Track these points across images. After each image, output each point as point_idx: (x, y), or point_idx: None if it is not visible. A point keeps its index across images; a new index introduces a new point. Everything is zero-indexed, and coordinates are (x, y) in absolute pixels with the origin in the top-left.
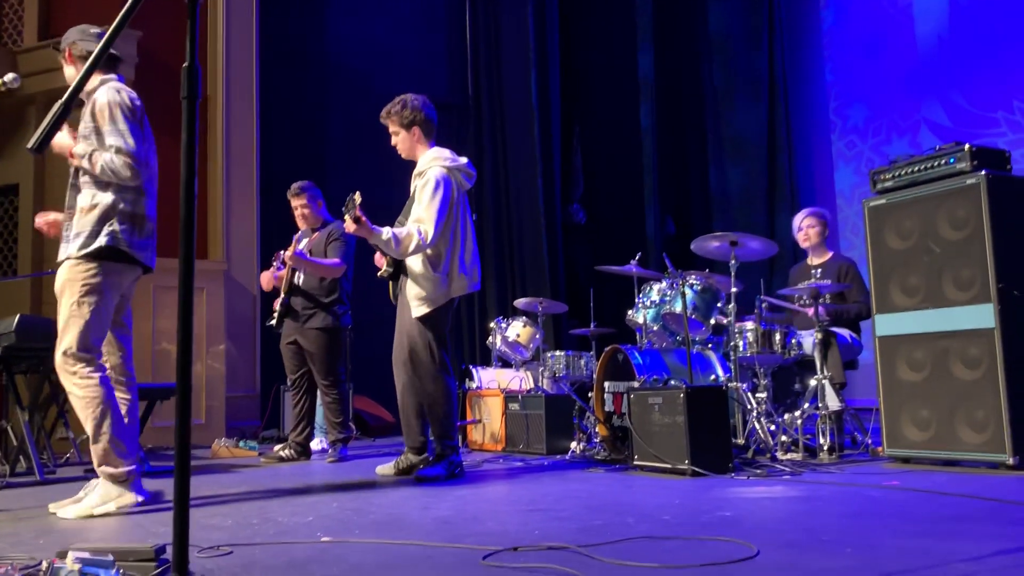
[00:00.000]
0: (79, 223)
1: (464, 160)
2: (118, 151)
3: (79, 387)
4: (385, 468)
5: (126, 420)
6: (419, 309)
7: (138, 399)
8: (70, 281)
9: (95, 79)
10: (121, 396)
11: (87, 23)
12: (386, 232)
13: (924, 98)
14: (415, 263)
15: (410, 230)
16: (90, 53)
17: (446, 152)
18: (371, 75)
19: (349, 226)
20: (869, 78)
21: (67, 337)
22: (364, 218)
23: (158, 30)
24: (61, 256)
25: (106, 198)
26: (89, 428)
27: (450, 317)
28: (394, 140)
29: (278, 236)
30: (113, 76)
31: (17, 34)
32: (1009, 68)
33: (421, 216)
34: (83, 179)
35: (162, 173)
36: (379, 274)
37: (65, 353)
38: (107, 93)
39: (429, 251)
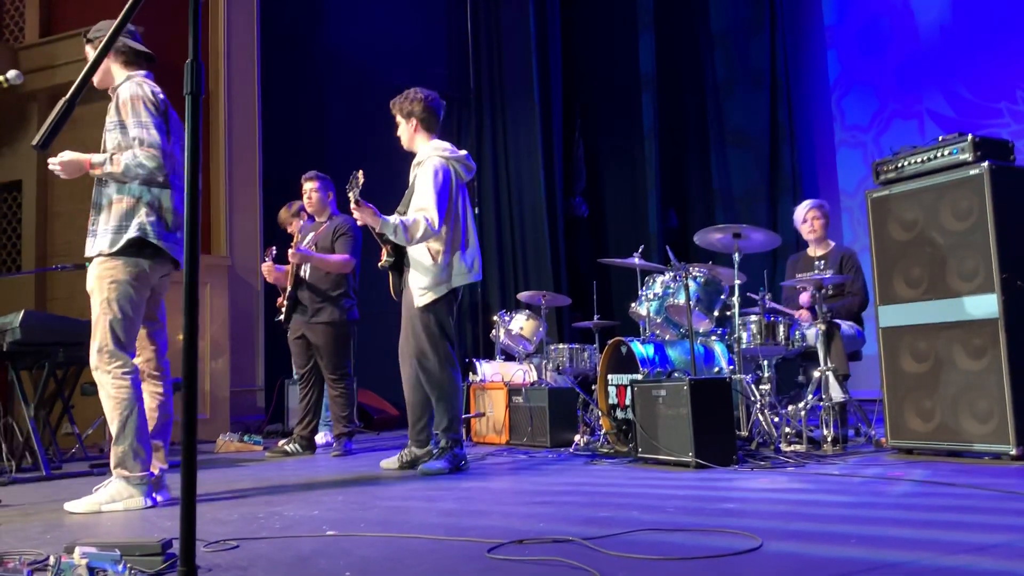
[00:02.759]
0: (107, 219)
1: (463, 152)
2: (141, 143)
3: (111, 386)
4: (389, 462)
5: (156, 414)
6: (422, 299)
7: (172, 394)
8: (100, 278)
9: (121, 74)
10: (154, 390)
11: (89, 20)
12: (394, 219)
13: (927, 88)
14: (417, 253)
15: (416, 218)
16: (125, 46)
17: (446, 144)
18: (372, 68)
19: (355, 213)
20: (871, 69)
21: (99, 334)
22: (367, 204)
23: (158, 25)
24: (88, 251)
25: (133, 192)
26: (113, 428)
27: (454, 308)
28: (398, 130)
29: (281, 231)
30: (140, 72)
31: (19, 31)
32: (1012, 58)
33: (424, 204)
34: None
35: None
36: (380, 264)
37: (99, 351)
38: (130, 87)
39: (432, 241)
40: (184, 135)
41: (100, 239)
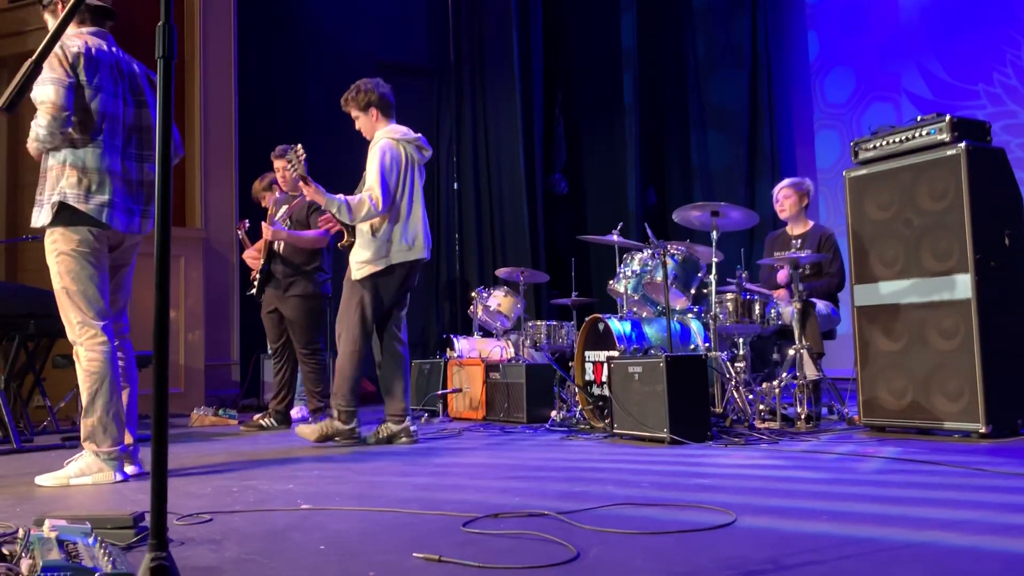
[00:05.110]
0: (43, 188)
1: (417, 135)
2: (35, 100)
3: (84, 358)
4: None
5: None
6: (357, 272)
7: (134, 365)
8: (49, 253)
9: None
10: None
11: None
12: (338, 198)
13: (905, 69)
14: (361, 228)
15: (362, 197)
16: (83, 4)
17: (401, 128)
18: (350, 40)
19: (302, 189)
20: (851, 49)
21: (63, 311)
22: (312, 181)
23: None
24: (33, 223)
25: (59, 158)
26: (83, 401)
27: (391, 286)
28: (357, 124)
29: (256, 204)
30: (83, 30)
31: None
32: (990, 40)
33: (370, 184)
34: None
35: None
36: (340, 244)
37: (70, 324)
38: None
39: (376, 217)
40: (128, 91)
41: (42, 210)
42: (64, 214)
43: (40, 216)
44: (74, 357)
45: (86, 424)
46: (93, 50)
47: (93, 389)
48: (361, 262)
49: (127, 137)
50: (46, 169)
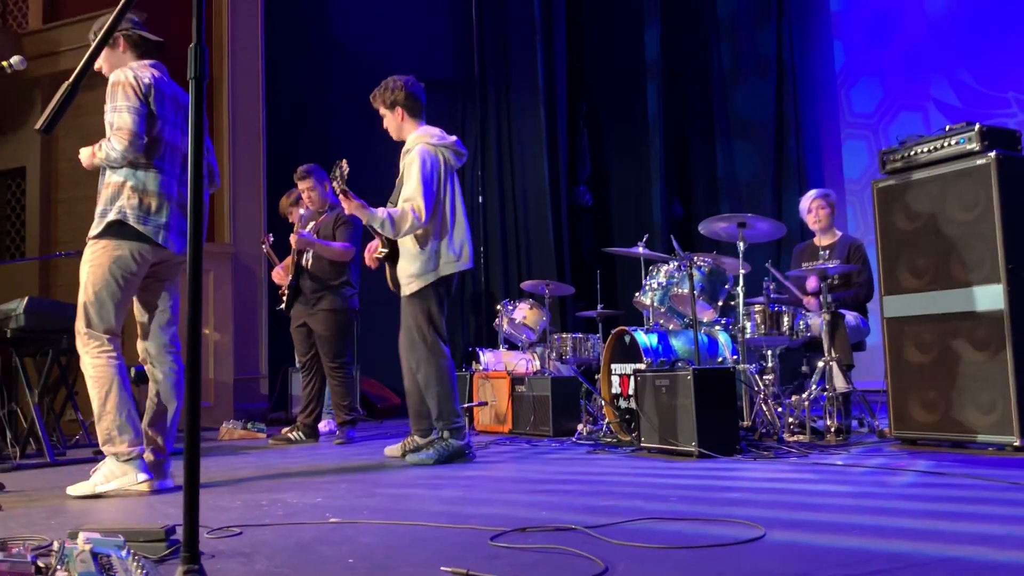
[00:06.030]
0: (100, 204)
1: (453, 138)
2: (111, 126)
3: (90, 366)
4: (393, 450)
5: (153, 402)
6: (408, 287)
7: (180, 382)
8: (83, 262)
9: (131, 63)
10: (150, 378)
11: (92, 6)
12: (381, 212)
13: (934, 78)
14: (406, 241)
15: (404, 209)
16: (136, 36)
17: (435, 130)
18: (376, 55)
19: (343, 203)
20: (878, 58)
21: (78, 316)
22: (354, 196)
23: (162, 13)
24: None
25: (118, 176)
26: (95, 407)
27: (444, 297)
28: (384, 123)
29: (284, 219)
30: (145, 62)
31: (22, 17)
32: (1019, 47)
33: (410, 195)
34: None
35: None
36: (375, 255)
37: (77, 332)
38: (116, 74)
39: (419, 229)
40: (184, 121)
41: (94, 223)
42: (115, 228)
43: (93, 227)
44: (81, 367)
45: (102, 428)
46: (160, 82)
47: (103, 393)
48: (410, 276)
49: (182, 164)
50: (101, 186)
